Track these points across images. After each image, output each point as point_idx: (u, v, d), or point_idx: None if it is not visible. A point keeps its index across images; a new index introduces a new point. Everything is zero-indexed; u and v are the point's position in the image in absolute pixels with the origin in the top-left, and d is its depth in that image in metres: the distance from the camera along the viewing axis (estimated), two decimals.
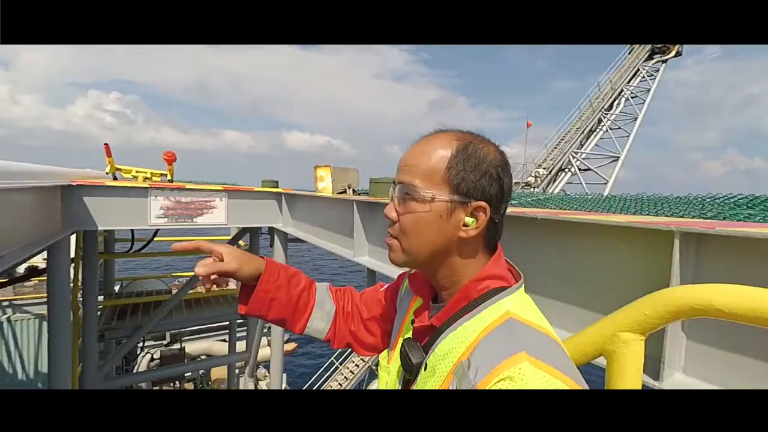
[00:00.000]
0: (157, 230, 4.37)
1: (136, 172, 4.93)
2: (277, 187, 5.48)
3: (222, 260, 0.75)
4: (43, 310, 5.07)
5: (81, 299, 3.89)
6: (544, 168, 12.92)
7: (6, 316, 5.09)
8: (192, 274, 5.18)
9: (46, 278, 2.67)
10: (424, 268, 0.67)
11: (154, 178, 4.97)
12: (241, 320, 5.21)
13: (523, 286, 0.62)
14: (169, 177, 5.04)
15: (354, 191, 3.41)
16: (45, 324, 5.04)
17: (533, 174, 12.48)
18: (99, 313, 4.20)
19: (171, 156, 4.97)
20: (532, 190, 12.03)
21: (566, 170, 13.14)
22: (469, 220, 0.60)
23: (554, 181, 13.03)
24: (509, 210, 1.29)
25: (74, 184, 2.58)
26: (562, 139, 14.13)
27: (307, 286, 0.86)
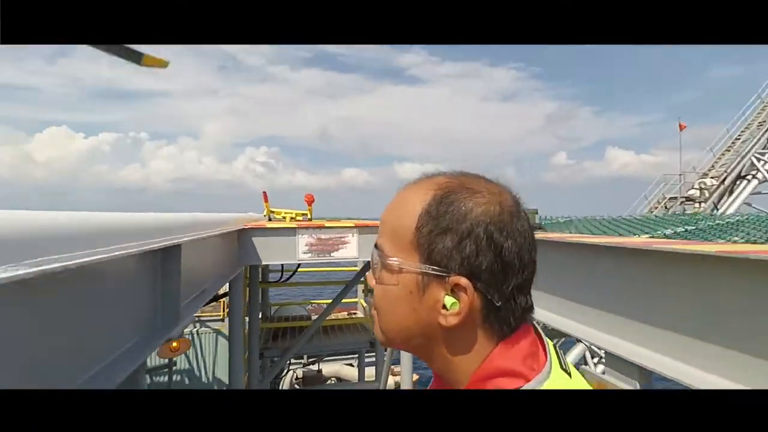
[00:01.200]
0: (300, 263, 5.02)
1: (285, 213, 5.90)
2: None
3: None
4: (216, 326, 6.31)
5: (247, 321, 4.70)
6: (712, 177, 10.36)
7: (195, 329, 6.51)
8: (327, 302, 5.75)
9: (223, 301, 3.32)
10: (414, 353, 0.50)
11: (298, 218, 5.86)
12: (370, 348, 5.48)
13: (550, 376, 0.42)
14: (309, 216, 5.87)
15: None
16: (218, 338, 6.25)
17: (697, 186, 10.09)
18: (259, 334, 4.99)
19: (310, 198, 5.80)
20: (696, 206, 9.72)
21: (748, 177, 10.24)
22: (448, 300, 0.43)
23: (730, 192, 10.28)
24: (704, 247, 1.02)
25: (246, 227, 3.20)
26: (737, 139, 11.22)
27: None
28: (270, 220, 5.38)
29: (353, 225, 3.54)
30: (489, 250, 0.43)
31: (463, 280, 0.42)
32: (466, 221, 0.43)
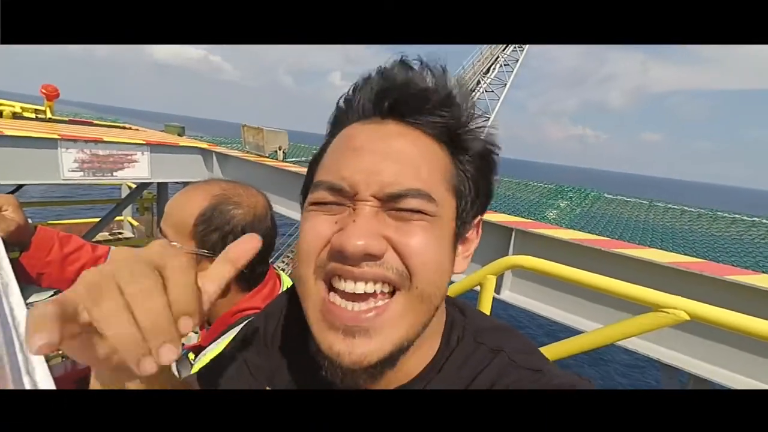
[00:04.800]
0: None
1: (1, 105, 4.07)
2: (183, 132, 5.15)
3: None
4: None
5: None
6: None
7: None
8: (75, 222, 4.76)
9: None
10: None
11: (26, 114, 4.16)
12: None
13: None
14: (48, 115, 4.28)
15: (284, 154, 3.63)
16: None
17: None
18: None
19: (53, 91, 4.21)
20: None
21: None
22: None
23: None
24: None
25: None
26: None
27: (91, 262, 0.89)
28: None
29: (143, 142, 3.10)
30: None
31: None
32: (229, 224, 0.66)
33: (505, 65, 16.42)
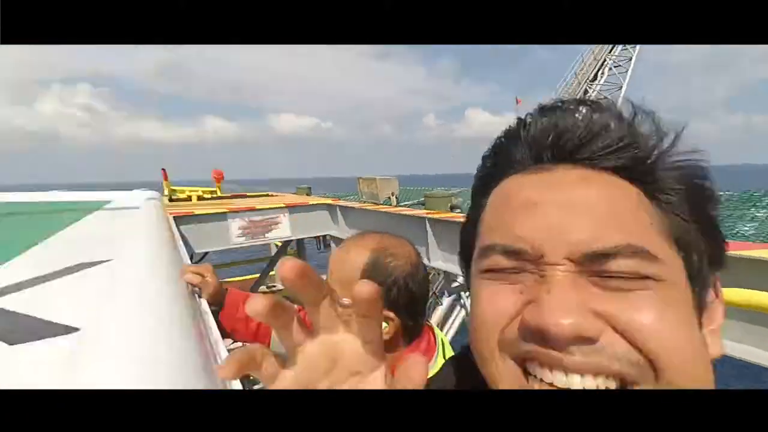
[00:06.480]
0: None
1: (189, 192, 5.43)
2: (311, 192, 5.93)
3: (203, 276, 0.89)
4: None
5: None
6: None
7: None
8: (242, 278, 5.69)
9: None
10: None
11: (205, 196, 5.45)
12: None
13: (435, 362, 0.68)
14: (218, 193, 5.52)
15: (396, 199, 3.83)
16: None
17: None
18: None
19: (219, 175, 5.45)
20: None
21: None
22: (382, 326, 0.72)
23: None
24: None
25: (173, 215, 3.04)
26: None
27: None
28: (171, 200, 4.93)
29: (284, 205, 3.67)
30: (406, 293, 0.68)
31: (391, 314, 0.67)
32: (391, 277, 0.68)
33: (615, 67, 14.65)
